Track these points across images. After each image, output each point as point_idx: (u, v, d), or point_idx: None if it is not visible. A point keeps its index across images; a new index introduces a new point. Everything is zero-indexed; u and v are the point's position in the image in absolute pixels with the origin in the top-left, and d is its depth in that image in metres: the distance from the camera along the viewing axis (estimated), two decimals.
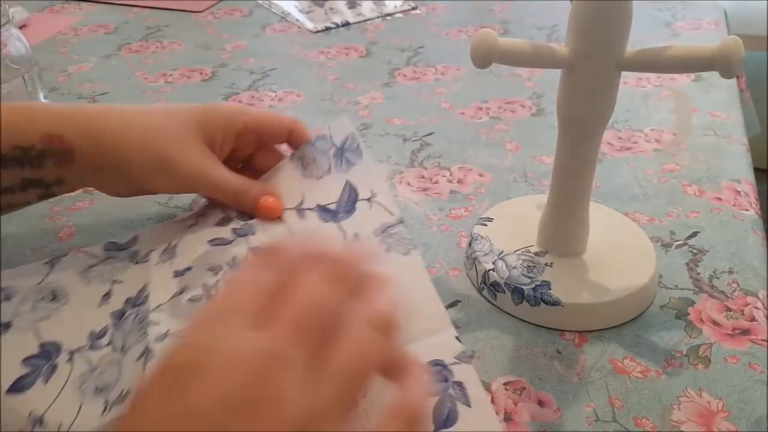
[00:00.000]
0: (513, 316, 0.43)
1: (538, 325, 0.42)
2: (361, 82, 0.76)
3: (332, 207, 0.43)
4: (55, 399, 0.37)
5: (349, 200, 0.43)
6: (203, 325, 0.25)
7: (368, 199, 0.42)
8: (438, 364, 0.35)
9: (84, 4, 1.04)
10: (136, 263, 0.45)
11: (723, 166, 0.58)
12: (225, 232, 0.44)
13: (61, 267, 0.44)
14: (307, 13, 0.96)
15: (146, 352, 0.37)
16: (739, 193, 0.54)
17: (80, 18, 0.99)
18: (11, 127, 0.41)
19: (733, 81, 0.73)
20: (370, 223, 0.41)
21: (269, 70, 0.80)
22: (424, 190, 0.56)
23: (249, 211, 0.45)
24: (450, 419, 0.33)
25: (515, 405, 0.37)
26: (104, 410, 0.37)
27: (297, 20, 0.94)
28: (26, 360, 0.39)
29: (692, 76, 0.74)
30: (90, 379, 0.38)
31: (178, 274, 0.42)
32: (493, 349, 0.41)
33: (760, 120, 0.97)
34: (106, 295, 0.43)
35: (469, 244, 0.47)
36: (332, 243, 0.35)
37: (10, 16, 0.61)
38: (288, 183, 0.46)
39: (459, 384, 0.34)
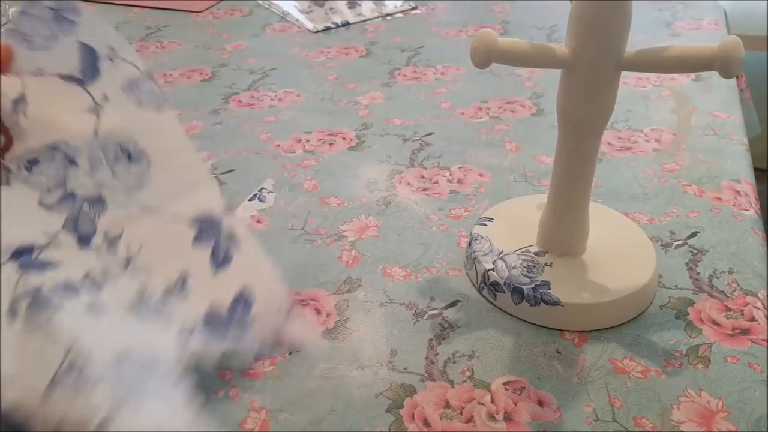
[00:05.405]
0: (513, 316, 0.43)
1: (538, 325, 0.42)
2: (361, 82, 0.76)
3: (76, 75, 0.39)
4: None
5: (90, 63, 0.39)
6: None
7: (110, 58, 0.40)
8: (208, 218, 0.40)
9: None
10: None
11: (723, 165, 0.58)
12: None
13: None
14: (307, 13, 0.96)
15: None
16: (738, 192, 0.54)
17: None
18: None
19: (733, 81, 0.73)
20: (117, 81, 0.39)
21: (269, 70, 0.80)
22: (424, 190, 0.56)
23: None
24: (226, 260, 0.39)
25: (515, 405, 0.37)
26: None
27: (297, 20, 0.94)
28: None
29: (692, 76, 0.74)
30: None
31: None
32: (492, 348, 0.41)
33: (760, 120, 0.97)
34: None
35: (469, 244, 0.47)
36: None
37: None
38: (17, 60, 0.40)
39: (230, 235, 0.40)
